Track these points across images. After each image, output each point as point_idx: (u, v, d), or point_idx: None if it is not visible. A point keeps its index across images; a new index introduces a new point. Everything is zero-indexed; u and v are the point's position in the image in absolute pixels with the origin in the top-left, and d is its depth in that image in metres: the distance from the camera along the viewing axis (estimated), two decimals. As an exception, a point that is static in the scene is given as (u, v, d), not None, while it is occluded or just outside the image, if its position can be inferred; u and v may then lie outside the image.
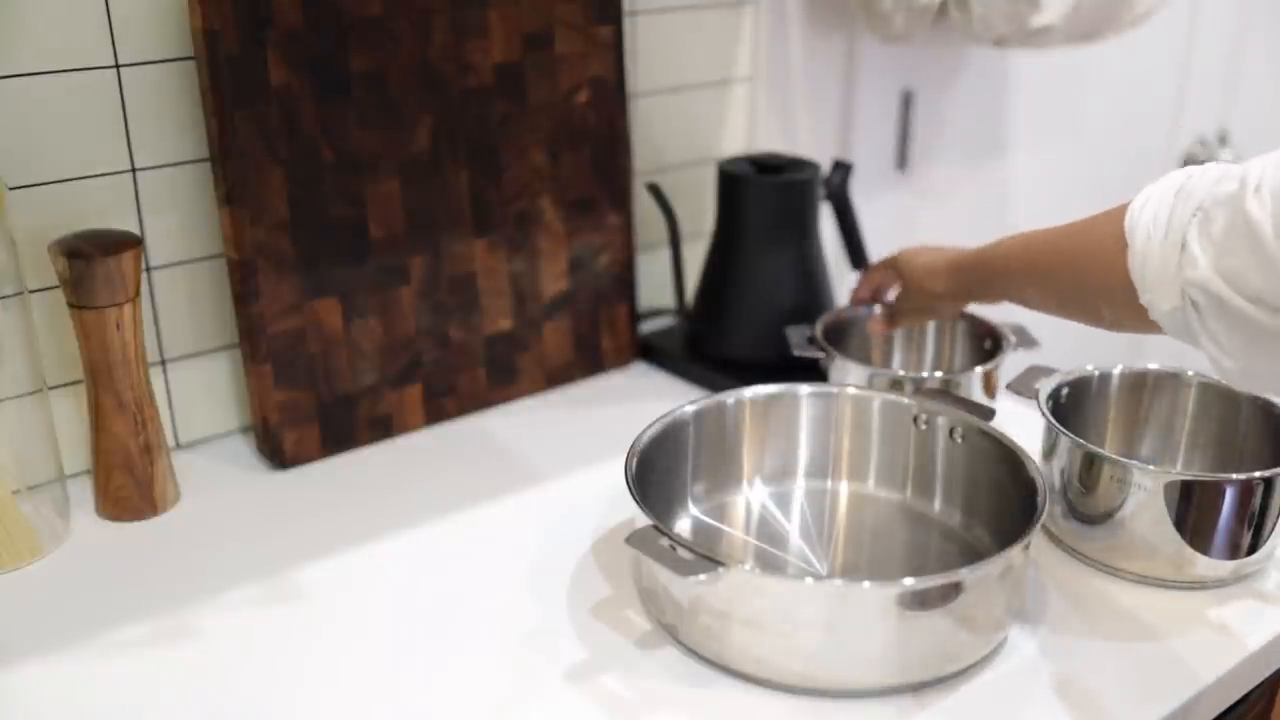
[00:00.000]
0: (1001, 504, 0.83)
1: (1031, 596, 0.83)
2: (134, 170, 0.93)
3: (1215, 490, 0.81)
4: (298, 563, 0.86)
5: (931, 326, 1.12)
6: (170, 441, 1.00)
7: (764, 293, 1.14)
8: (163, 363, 0.98)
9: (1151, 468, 0.82)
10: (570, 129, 1.09)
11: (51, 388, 0.92)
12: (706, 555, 0.71)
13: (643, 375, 1.17)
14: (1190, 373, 0.94)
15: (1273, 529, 0.83)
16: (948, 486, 0.90)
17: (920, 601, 0.71)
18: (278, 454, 0.98)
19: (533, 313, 1.10)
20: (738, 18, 1.26)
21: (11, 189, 0.87)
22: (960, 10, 1.25)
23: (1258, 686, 0.82)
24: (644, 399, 1.12)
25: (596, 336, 1.15)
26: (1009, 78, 1.60)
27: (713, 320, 1.16)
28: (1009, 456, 0.83)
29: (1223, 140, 2.00)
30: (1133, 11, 1.31)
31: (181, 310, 0.98)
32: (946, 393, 0.92)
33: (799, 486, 0.93)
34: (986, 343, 1.07)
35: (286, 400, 0.98)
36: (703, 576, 0.69)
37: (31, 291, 0.90)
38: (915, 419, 0.89)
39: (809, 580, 0.76)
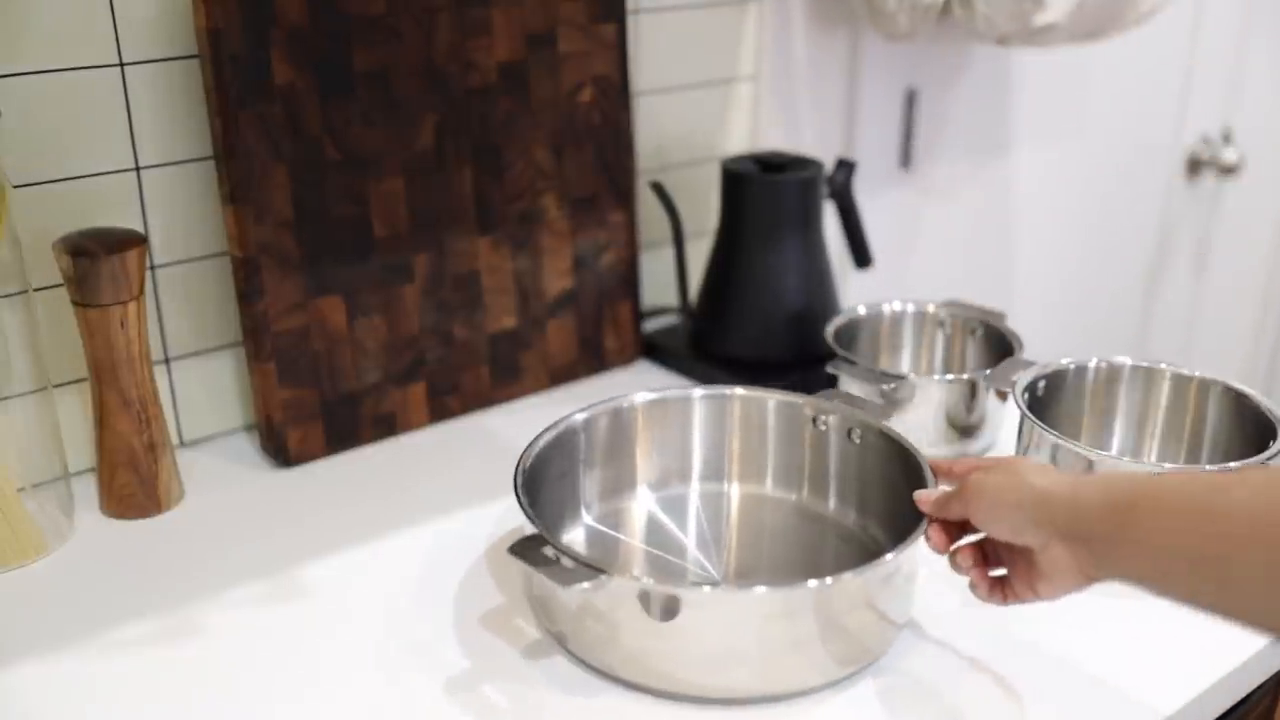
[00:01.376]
0: (896, 503, 0.82)
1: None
2: (138, 168, 0.93)
3: None
4: (301, 561, 0.87)
5: (940, 335, 1.11)
6: (174, 440, 1.00)
7: (767, 291, 1.14)
8: (167, 361, 0.99)
9: (1126, 460, 0.82)
10: (574, 127, 1.09)
11: (56, 386, 0.92)
12: (589, 563, 0.69)
13: (646, 374, 1.17)
14: (1164, 366, 0.95)
15: None
16: (843, 486, 0.89)
17: (810, 605, 0.70)
18: (282, 452, 0.99)
19: (536, 311, 1.10)
20: (741, 16, 1.26)
21: (16, 187, 0.87)
22: (964, 9, 1.25)
23: (1259, 687, 0.82)
24: (647, 397, 1.12)
25: (600, 335, 1.15)
26: (1012, 76, 1.60)
27: (716, 318, 1.16)
28: (902, 454, 0.83)
29: (1226, 138, 2.00)
30: (1136, 10, 1.31)
31: (185, 308, 0.99)
32: (842, 392, 0.91)
33: (694, 490, 0.92)
34: (997, 346, 1.06)
35: (290, 398, 0.98)
36: (586, 585, 0.68)
37: (36, 290, 0.90)
38: (815, 420, 0.89)
39: (694, 586, 0.74)
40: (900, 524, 0.77)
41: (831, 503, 0.90)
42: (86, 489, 0.94)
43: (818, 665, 0.73)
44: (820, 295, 1.15)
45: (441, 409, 1.06)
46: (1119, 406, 0.97)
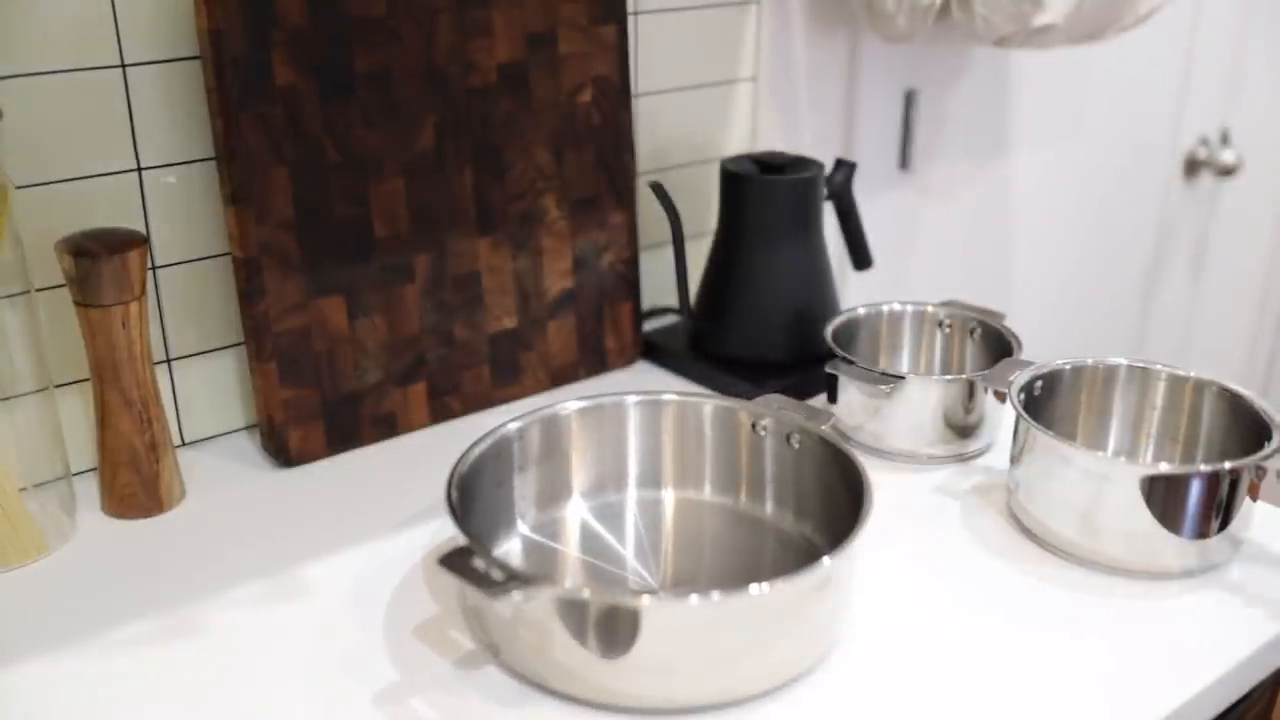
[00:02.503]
0: (834, 507, 0.82)
1: (1007, 590, 0.84)
2: (140, 169, 0.94)
3: (1183, 482, 0.82)
4: (302, 561, 0.87)
5: (939, 335, 1.11)
6: (175, 439, 1.00)
7: (767, 291, 1.14)
8: (168, 361, 0.99)
9: (1122, 460, 0.83)
10: (574, 128, 1.09)
11: (57, 386, 0.92)
12: (516, 575, 0.68)
13: (646, 374, 1.18)
14: (1159, 366, 0.95)
15: (1239, 517, 0.84)
16: (780, 491, 0.88)
17: (750, 610, 0.69)
18: (283, 452, 0.99)
19: (536, 311, 1.10)
20: (741, 17, 1.27)
21: (18, 188, 0.88)
22: (963, 10, 1.25)
23: (1257, 685, 0.82)
24: (647, 397, 1.12)
25: (600, 335, 1.16)
26: (1011, 77, 1.60)
27: (716, 319, 1.17)
28: (840, 459, 0.82)
29: (1224, 139, 2.00)
30: (1135, 11, 1.31)
31: (187, 308, 0.99)
32: (779, 396, 0.91)
33: (631, 497, 0.91)
34: (996, 347, 1.07)
35: (291, 398, 0.98)
36: (516, 596, 0.67)
37: (38, 290, 0.90)
38: (754, 426, 0.88)
39: (630, 595, 0.72)
40: (838, 527, 0.77)
41: (769, 507, 0.89)
42: (88, 489, 0.94)
43: (760, 672, 0.72)
44: (820, 296, 1.16)
45: (442, 409, 1.07)
46: (1115, 407, 0.97)
